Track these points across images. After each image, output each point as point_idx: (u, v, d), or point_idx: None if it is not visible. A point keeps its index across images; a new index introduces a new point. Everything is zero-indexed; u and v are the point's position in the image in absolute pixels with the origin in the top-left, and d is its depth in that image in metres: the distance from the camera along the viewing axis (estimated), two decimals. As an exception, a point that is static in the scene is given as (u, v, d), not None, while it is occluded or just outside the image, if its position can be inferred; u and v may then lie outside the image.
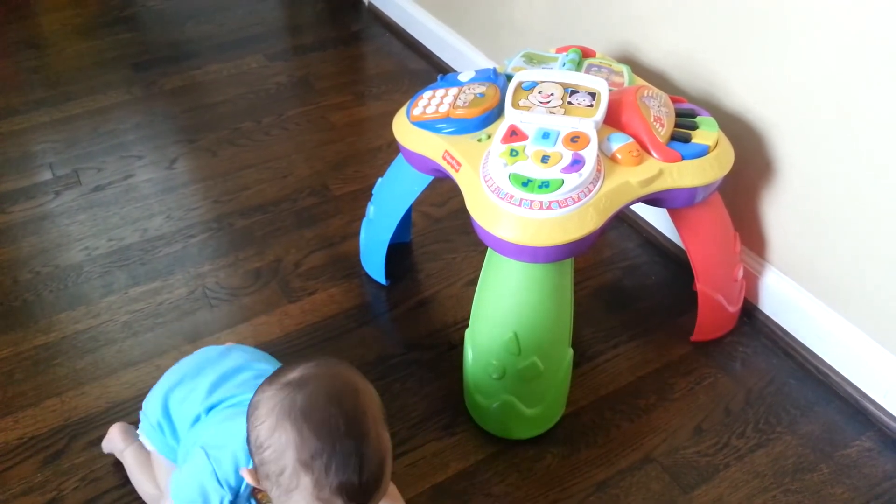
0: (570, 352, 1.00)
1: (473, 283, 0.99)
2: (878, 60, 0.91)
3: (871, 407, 1.05)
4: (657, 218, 1.33)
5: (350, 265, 1.30)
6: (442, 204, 1.42)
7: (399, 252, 1.31)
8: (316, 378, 0.70)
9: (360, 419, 0.68)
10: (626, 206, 0.94)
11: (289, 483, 0.67)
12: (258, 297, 1.24)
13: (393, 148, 1.19)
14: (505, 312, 0.94)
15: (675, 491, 0.97)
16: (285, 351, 1.15)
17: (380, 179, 1.23)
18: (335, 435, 0.66)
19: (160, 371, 1.11)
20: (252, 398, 0.71)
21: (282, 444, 0.67)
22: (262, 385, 0.71)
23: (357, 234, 1.32)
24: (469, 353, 1.00)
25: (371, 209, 1.24)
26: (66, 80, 1.78)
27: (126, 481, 0.97)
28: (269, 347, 1.15)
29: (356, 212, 1.39)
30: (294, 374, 0.70)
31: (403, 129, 1.06)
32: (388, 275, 1.25)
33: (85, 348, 1.15)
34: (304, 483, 0.66)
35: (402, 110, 1.08)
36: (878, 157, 0.95)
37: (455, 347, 1.16)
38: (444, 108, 1.02)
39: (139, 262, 1.30)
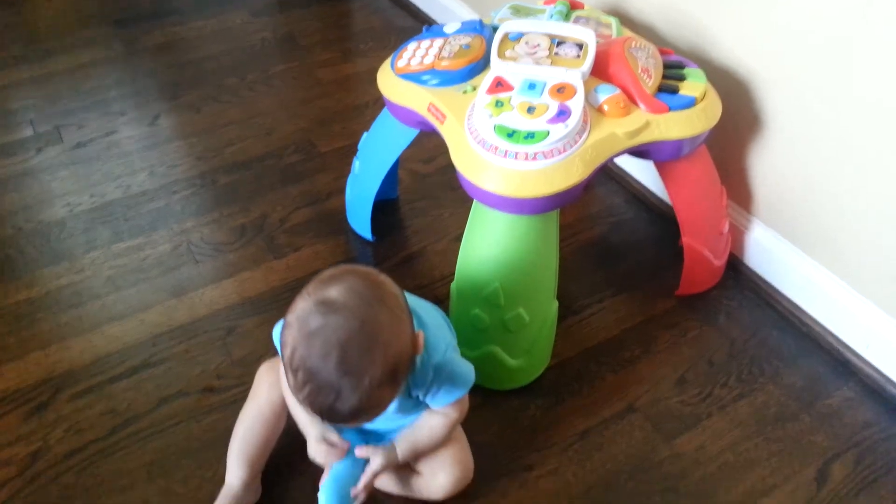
0: (556, 304, 1.00)
1: (460, 238, 0.99)
2: (867, 12, 0.90)
3: (852, 358, 1.06)
4: (645, 174, 1.33)
5: (336, 222, 1.29)
6: (429, 160, 1.41)
7: (386, 208, 1.31)
8: (343, 311, 0.69)
9: (358, 370, 0.68)
10: (613, 158, 0.94)
11: (286, 373, 0.71)
12: (243, 252, 1.23)
13: (379, 105, 1.18)
14: (490, 264, 0.94)
15: (657, 439, 0.98)
16: (271, 306, 1.15)
17: (365, 134, 1.22)
18: (324, 366, 0.68)
19: (144, 325, 1.12)
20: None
21: (285, 339, 0.71)
22: (311, 282, 0.73)
23: (343, 190, 1.31)
24: (455, 306, 1.01)
25: (357, 164, 1.23)
26: (45, 36, 1.74)
27: (112, 431, 0.98)
28: (255, 303, 1.15)
29: (342, 169, 1.38)
30: (331, 294, 0.70)
31: (388, 81, 1.05)
32: (374, 231, 1.24)
33: (68, 303, 1.14)
34: (289, 379, 0.71)
35: (387, 62, 1.07)
36: (865, 110, 0.95)
37: (441, 302, 1.14)
38: (429, 60, 1.01)
39: (122, 218, 1.29)
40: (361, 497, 0.82)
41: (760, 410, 1.01)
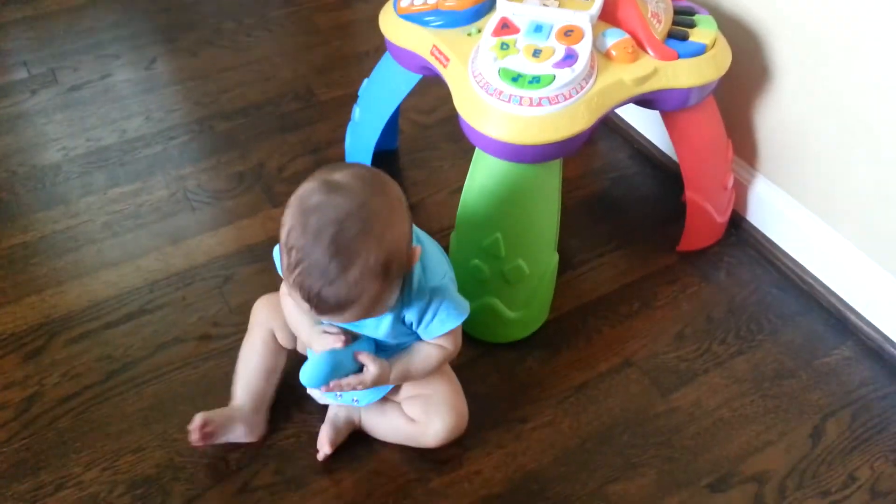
0: (556, 256, 0.99)
1: (460, 190, 0.97)
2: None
3: (852, 317, 1.06)
4: (650, 128, 1.30)
5: (335, 171, 1.27)
6: (430, 111, 1.38)
7: (385, 159, 1.29)
8: (345, 192, 0.70)
9: (349, 251, 0.68)
10: (619, 106, 0.92)
11: (281, 254, 0.72)
12: (241, 200, 1.22)
13: (380, 53, 1.15)
14: (490, 214, 0.93)
15: (653, 393, 0.98)
16: (268, 255, 1.12)
17: (366, 80, 1.19)
18: (317, 244, 0.68)
19: (141, 272, 1.11)
20: None
21: (284, 219, 0.71)
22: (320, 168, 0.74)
23: (342, 140, 1.29)
24: (454, 256, 0.99)
25: (357, 111, 1.21)
26: (38, -25, 1.69)
27: (108, 377, 0.97)
28: (253, 250, 1.14)
29: (341, 118, 1.35)
30: (336, 176, 0.71)
31: (390, 22, 1.02)
32: (373, 180, 1.22)
33: (64, 248, 1.13)
34: (283, 260, 0.71)
35: (389, 3, 1.04)
36: (874, 64, 0.92)
37: (440, 253, 1.15)
38: (433, 0, 0.97)
39: (118, 163, 1.27)
40: (338, 388, 0.81)
41: (758, 367, 1.01)
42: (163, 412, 0.94)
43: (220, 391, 0.96)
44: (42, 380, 0.97)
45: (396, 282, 0.74)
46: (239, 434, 0.89)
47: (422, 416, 0.87)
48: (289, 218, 0.71)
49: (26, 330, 1.03)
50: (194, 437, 0.87)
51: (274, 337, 0.92)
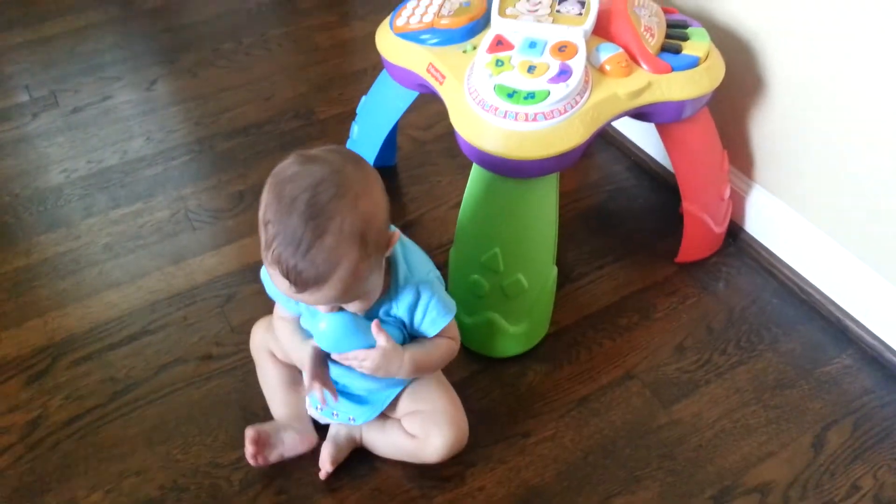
0: (555, 270, 0.99)
1: (459, 205, 0.98)
2: (877, -33, 0.87)
3: (852, 325, 1.06)
4: (647, 140, 1.31)
5: (334, 188, 1.28)
6: (428, 127, 1.39)
7: (384, 175, 1.24)
8: (320, 162, 0.70)
9: (324, 215, 0.68)
10: (614, 119, 0.92)
11: (260, 234, 0.71)
12: (242, 219, 1.23)
13: (379, 70, 1.16)
14: (488, 229, 0.93)
15: (655, 405, 0.98)
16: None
17: (364, 98, 1.20)
18: (292, 211, 0.68)
19: (143, 292, 1.11)
20: None
21: (262, 196, 0.71)
22: None
23: (341, 156, 1.30)
24: (453, 272, 1.00)
25: (355, 129, 1.22)
26: (39, -1, 1.72)
27: (111, 399, 0.98)
28: (254, 269, 1.14)
29: (341, 135, 1.36)
30: (313, 151, 0.72)
31: (387, 41, 1.03)
32: (372, 197, 1.23)
33: (66, 270, 1.14)
34: (262, 239, 0.71)
35: (386, 22, 1.05)
36: (868, 76, 0.92)
37: (441, 269, 1.13)
38: (428, 18, 0.99)
39: (119, 184, 1.28)
40: (344, 360, 0.80)
41: (759, 377, 1.01)
42: (166, 433, 0.94)
43: (221, 411, 0.96)
44: (46, 403, 0.98)
45: (376, 259, 0.73)
46: (291, 444, 0.89)
47: (421, 432, 0.87)
48: (266, 193, 0.71)
49: (29, 353, 1.03)
50: (249, 450, 0.87)
51: (275, 355, 0.93)
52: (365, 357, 0.79)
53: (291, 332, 0.86)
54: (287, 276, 0.69)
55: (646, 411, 0.97)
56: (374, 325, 0.78)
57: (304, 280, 0.69)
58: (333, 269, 0.69)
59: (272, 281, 0.73)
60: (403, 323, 0.83)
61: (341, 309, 0.78)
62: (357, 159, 0.74)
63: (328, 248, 0.68)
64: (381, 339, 0.79)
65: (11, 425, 0.95)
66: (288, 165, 0.71)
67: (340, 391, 0.88)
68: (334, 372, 0.84)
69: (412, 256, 0.82)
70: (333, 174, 0.69)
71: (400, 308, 0.81)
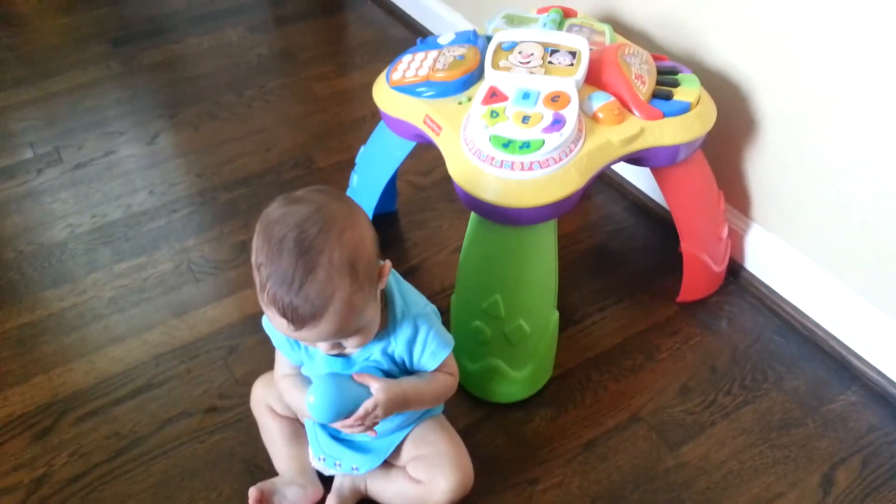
0: (556, 314, 1.00)
1: (460, 250, 0.99)
2: (860, 18, 0.89)
3: (855, 361, 1.06)
4: (643, 181, 1.33)
5: (336, 236, 1.29)
6: (427, 173, 1.41)
7: (385, 222, 1.31)
8: (305, 201, 0.73)
9: (313, 250, 0.70)
10: (608, 166, 0.94)
11: (255, 279, 0.73)
12: (244, 269, 1.24)
13: (376, 118, 1.18)
14: (488, 276, 0.94)
15: (662, 448, 0.97)
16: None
17: (362, 148, 1.22)
18: (281, 251, 0.70)
19: (147, 346, 1.12)
20: None
21: (253, 242, 0.74)
22: None
23: (342, 204, 1.31)
24: (455, 319, 1.00)
25: (355, 178, 1.23)
26: (43, 57, 1.75)
27: (116, 455, 0.98)
28: (256, 320, 1.15)
29: (341, 182, 1.38)
30: (297, 193, 0.75)
31: (384, 94, 1.05)
32: (373, 244, 1.24)
33: (71, 325, 1.15)
34: (256, 283, 0.73)
35: (382, 75, 1.07)
36: (861, 113, 0.94)
37: (442, 314, 1.14)
38: (423, 72, 1.01)
39: (123, 238, 1.29)
40: (355, 428, 0.79)
41: (764, 417, 1.01)
42: (171, 488, 0.94)
43: (226, 464, 0.96)
44: (51, 460, 0.97)
45: (369, 289, 0.74)
46: (296, 499, 0.89)
47: (426, 477, 0.87)
48: (256, 238, 0.73)
49: (34, 410, 1.03)
50: None
51: (274, 410, 0.93)
52: (366, 413, 0.79)
53: (297, 388, 0.87)
54: (284, 314, 0.71)
55: (653, 454, 0.97)
56: (353, 376, 0.79)
57: (300, 316, 0.71)
58: (328, 302, 0.71)
59: (271, 323, 0.74)
60: (394, 360, 0.83)
61: (341, 354, 0.79)
62: (340, 196, 0.76)
63: (320, 282, 0.70)
64: (371, 383, 0.79)
65: (17, 483, 0.95)
66: (274, 209, 0.73)
67: (342, 441, 0.88)
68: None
69: (408, 292, 0.84)
70: (318, 211, 0.72)
71: (398, 343, 0.82)
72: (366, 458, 0.88)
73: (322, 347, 0.78)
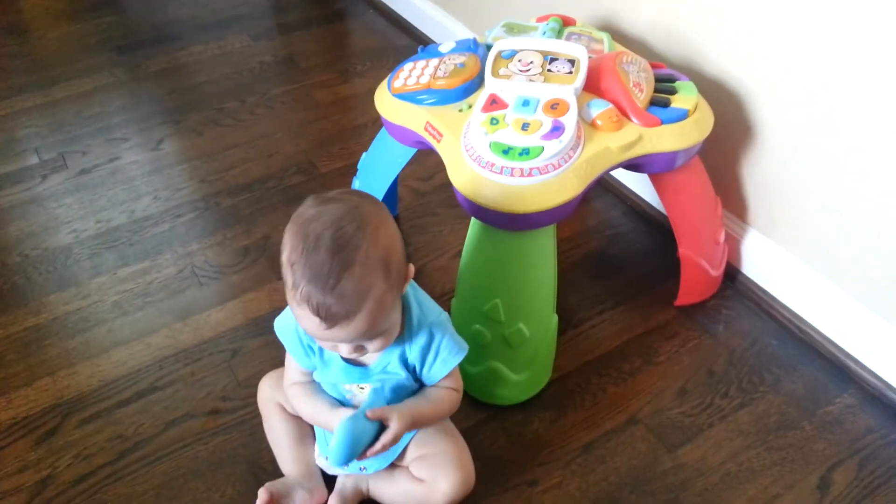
0: (555, 318, 1.01)
1: (460, 254, 1.00)
2: (856, 25, 0.91)
3: (852, 365, 1.07)
4: (641, 186, 1.34)
5: (338, 241, 1.30)
6: (428, 178, 1.43)
7: (386, 227, 1.32)
8: (338, 201, 0.73)
9: (350, 247, 0.70)
10: (607, 172, 0.95)
11: (285, 278, 0.73)
12: (247, 274, 1.25)
13: (377, 125, 1.20)
14: (489, 280, 0.95)
15: (660, 450, 0.99)
16: (275, 326, 1.16)
17: (364, 154, 1.23)
18: (317, 248, 0.70)
19: (151, 349, 1.13)
20: None
21: (284, 241, 0.74)
22: None
23: (344, 209, 1.33)
24: (456, 322, 1.01)
25: (357, 184, 1.25)
26: (49, 64, 1.77)
27: (120, 457, 0.99)
28: (259, 323, 1.16)
29: (343, 188, 1.39)
30: (330, 193, 0.75)
31: (385, 101, 1.06)
32: (375, 249, 1.25)
33: (76, 329, 1.16)
34: (287, 282, 0.73)
35: (384, 83, 1.09)
36: (857, 119, 0.96)
37: (443, 318, 1.17)
38: (424, 80, 1.02)
39: (127, 242, 1.31)
40: (371, 453, 0.81)
41: (761, 419, 1.02)
42: (174, 490, 0.95)
43: (229, 466, 0.97)
44: (55, 462, 0.99)
45: (397, 290, 0.76)
46: (302, 501, 0.90)
47: (428, 476, 0.88)
48: (288, 237, 0.73)
49: (39, 412, 1.04)
50: None
51: (284, 408, 0.94)
52: (383, 447, 0.80)
53: (310, 395, 0.87)
54: (317, 312, 0.70)
55: (650, 456, 0.98)
56: (368, 413, 0.80)
57: (334, 314, 0.71)
58: (363, 299, 0.71)
59: (300, 323, 0.74)
60: (407, 366, 0.84)
61: (359, 364, 0.80)
62: (370, 197, 0.78)
63: (356, 278, 0.70)
64: (386, 416, 0.80)
65: (21, 485, 0.96)
66: (307, 208, 0.74)
67: None
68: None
69: (424, 299, 0.85)
70: (353, 210, 0.72)
71: (413, 350, 0.83)
72: (374, 458, 0.89)
73: (344, 350, 0.78)
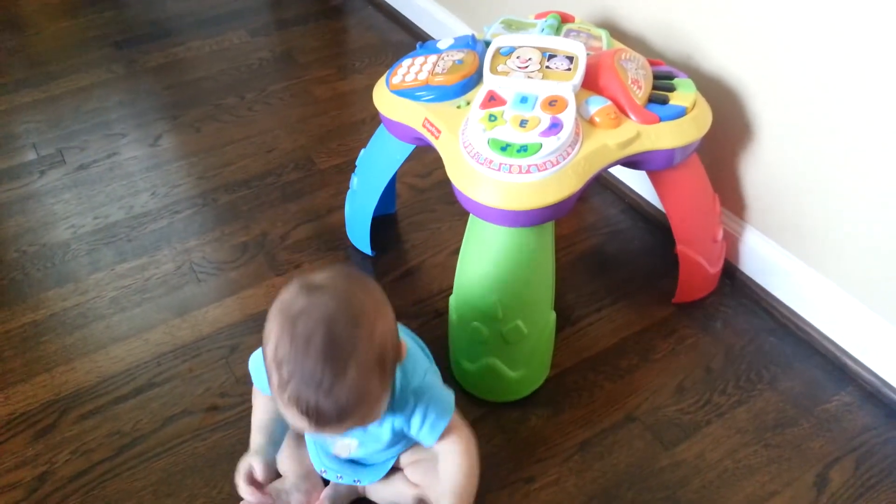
0: (553, 315, 1.01)
1: (458, 251, 1.00)
2: (854, 23, 0.91)
3: (850, 363, 1.07)
4: (639, 184, 1.34)
5: (336, 237, 1.30)
6: (426, 175, 1.42)
7: (384, 223, 1.32)
8: (328, 291, 0.68)
9: (344, 351, 0.65)
10: (605, 169, 0.95)
11: (269, 374, 0.68)
12: (245, 270, 1.25)
13: (376, 121, 1.19)
14: (487, 277, 0.95)
15: (657, 448, 0.99)
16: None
17: (363, 150, 1.23)
18: (308, 351, 0.65)
19: (149, 345, 1.13)
20: None
21: (267, 334, 0.68)
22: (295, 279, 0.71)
23: (342, 206, 1.33)
24: (454, 319, 1.02)
25: (355, 181, 1.25)
26: (47, 59, 1.77)
27: (118, 453, 0.99)
28: (257, 319, 1.16)
29: (341, 184, 1.39)
30: (317, 278, 0.69)
31: (383, 97, 1.06)
32: (373, 246, 1.26)
33: (73, 324, 1.16)
34: (273, 380, 0.68)
35: (382, 79, 1.08)
36: (855, 117, 0.96)
37: (441, 315, 1.17)
38: (423, 76, 1.02)
39: (125, 238, 1.31)
40: None
41: (759, 417, 1.02)
42: (172, 486, 0.95)
43: (227, 462, 0.97)
44: (53, 458, 0.99)
45: (390, 377, 0.72)
46: (297, 502, 0.89)
47: (424, 480, 0.88)
48: (274, 330, 0.67)
49: (37, 408, 1.05)
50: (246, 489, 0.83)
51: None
52: None
53: (258, 421, 0.85)
54: (306, 414, 0.66)
55: (648, 453, 0.98)
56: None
57: (325, 418, 0.67)
58: (357, 403, 0.67)
59: (284, 415, 0.69)
60: (394, 432, 0.82)
61: None
62: (362, 279, 0.72)
63: (350, 383, 0.66)
64: None
65: (19, 481, 0.96)
66: (294, 298, 0.68)
67: (345, 460, 0.88)
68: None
69: (408, 360, 0.79)
70: (344, 304, 0.67)
71: (398, 420, 0.80)
72: (368, 471, 0.89)
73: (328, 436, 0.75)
